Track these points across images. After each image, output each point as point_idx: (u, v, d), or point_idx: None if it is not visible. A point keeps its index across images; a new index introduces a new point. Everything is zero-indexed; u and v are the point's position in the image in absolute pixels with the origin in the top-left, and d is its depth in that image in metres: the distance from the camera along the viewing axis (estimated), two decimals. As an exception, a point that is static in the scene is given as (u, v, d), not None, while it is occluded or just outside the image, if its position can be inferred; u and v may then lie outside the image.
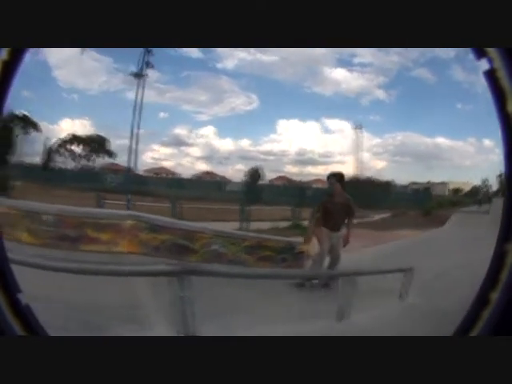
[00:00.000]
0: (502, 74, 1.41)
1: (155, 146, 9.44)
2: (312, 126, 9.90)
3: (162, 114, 9.18)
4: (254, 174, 9.27)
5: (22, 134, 8.38)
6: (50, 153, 9.04)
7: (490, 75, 1.44)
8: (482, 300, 1.47)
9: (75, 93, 8.83)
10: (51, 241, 4.59)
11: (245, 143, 9.81)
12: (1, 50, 1.41)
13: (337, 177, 4.84)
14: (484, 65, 1.44)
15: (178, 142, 10.00)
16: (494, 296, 1.43)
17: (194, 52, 8.80)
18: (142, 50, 7.66)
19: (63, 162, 9.37)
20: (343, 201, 4.74)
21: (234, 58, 9.13)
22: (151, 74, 7.93)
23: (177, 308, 2.64)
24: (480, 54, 1.45)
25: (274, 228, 6.91)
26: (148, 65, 7.79)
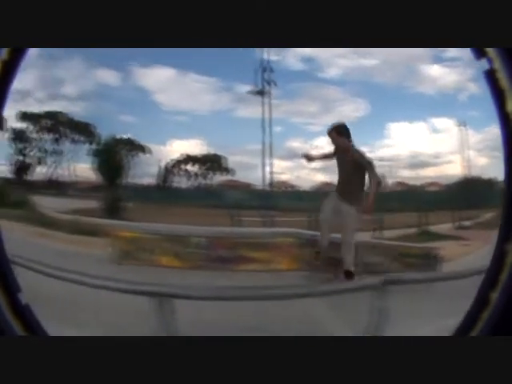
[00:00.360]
0: (501, 75, 1.42)
1: (272, 160, 9.49)
2: (420, 126, 9.80)
3: (276, 128, 9.21)
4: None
5: (129, 157, 8.63)
6: (164, 173, 9.19)
7: (490, 75, 1.44)
8: (481, 300, 1.47)
9: (182, 114, 8.96)
10: (203, 263, 4.54)
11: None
12: (1, 49, 1.41)
13: (338, 129, 3.78)
14: (484, 65, 1.45)
15: (294, 155, 9.72)
16: (494, 296, 1.43)
17: (297, 64, 8.88)
18: (256, 67, 7.77)
19: (179, 182, 9.54)
20: (350, 158, 3.69)
21: (335, 65, 9.14)
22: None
23: (373, 318, 2.66)
24: (480, 54, 1.45)
25: (405, 235, 6.84)
26: (270, 83, 7.85)
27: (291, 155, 9.66)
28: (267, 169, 8.32)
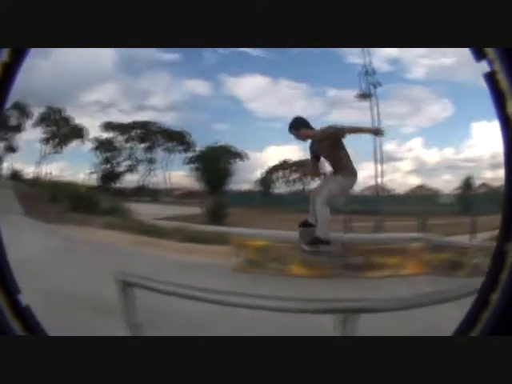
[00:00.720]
0: (501, 77, 1.41)
1: (367, 164, 9.39)
2: (496, 125, 9.85)
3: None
4: (466, 184, 9.19)
5: (229, 164, 8.82)
6: (263, 179, 9.37)
7: (490, 77, 1.44)
8: (482, 300, 1.47)
9: (276, 121, 8.86)
10: (334, 271, 4.47)
11: (448, 152, 9.48)
12: (1, 50, 1.41)
13: (295, 125, 3.85)
14: (484, 67, 1.45)
15: (388, 158, 9.42)
16: (494, 296, 1.43)
17: (383, 66, 8.83)
18: (359, 71, 7.75)
19: (278, 187, 9.64)
20: (320, 141, 3.79)
21: (419, 65, 9.05)
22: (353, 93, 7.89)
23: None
24: (480, 55, 1.45)
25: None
26: (375, 85, 7.83)
27: (385, 158, 9.15)
28: (366, 173, 8.12)
